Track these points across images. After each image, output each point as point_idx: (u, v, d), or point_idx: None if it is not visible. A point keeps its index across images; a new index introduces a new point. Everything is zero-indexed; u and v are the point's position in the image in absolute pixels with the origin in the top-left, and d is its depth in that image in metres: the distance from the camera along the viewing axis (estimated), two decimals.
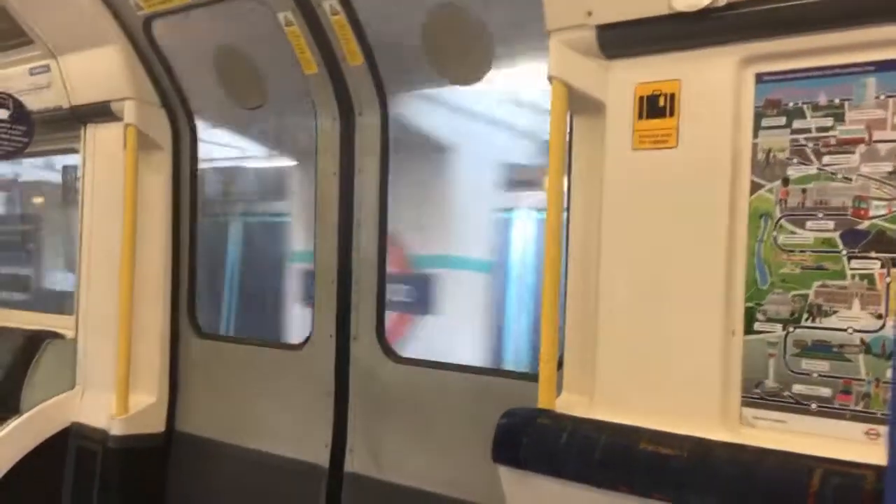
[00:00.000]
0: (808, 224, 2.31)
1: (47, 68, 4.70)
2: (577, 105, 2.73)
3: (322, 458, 3.89)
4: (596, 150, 2.70)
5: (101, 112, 4.50)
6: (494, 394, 3.26)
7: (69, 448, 4.59)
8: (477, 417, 3.27)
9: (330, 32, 3.64)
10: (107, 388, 4.41)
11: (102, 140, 4.61)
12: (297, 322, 5.99)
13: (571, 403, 2.73)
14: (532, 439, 2.60)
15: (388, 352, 3.78)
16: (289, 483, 4.01)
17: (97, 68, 4.45)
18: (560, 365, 2.81)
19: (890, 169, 2.18)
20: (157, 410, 4.51)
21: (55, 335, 4.89)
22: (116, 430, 4.35)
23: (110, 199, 4.50)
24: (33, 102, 4.71)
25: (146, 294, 4.47)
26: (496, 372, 3.55)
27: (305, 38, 3.69)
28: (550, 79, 2.69)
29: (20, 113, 4.63)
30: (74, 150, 4.90)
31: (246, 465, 4.21)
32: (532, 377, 2.82)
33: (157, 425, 4.51)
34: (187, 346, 4.56)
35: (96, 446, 4.43)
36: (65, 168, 5.56)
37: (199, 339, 4.54)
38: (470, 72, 3.53)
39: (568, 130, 2.76)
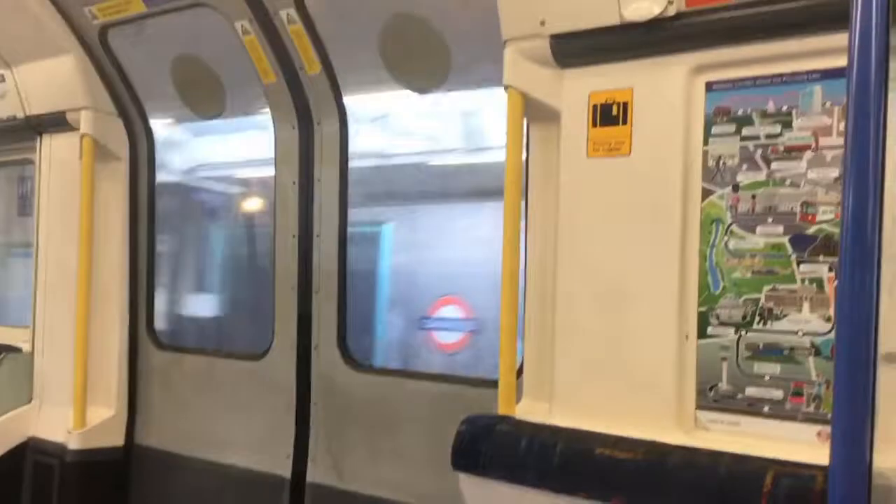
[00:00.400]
0: (759, 229, 2.35)
1: (2, 78, 4.63)
2: (533, 113, 2.75)
3: (284, 468, 3.86)
4: (551, 158, 2.73)
5: (57, 122, 4.44)
6: (456, 401, 3.27)
7: (26, 463, 4.50)
8: (439, 425, 3.26)
9: (287, 41, 3.64)
10: (64, 401, 4.34)
11: (58, 150, 4.55)
12: None
13: (531, 410, 2.75)
14: (491, 446, 2.60)
15: (350, 360, 3.77)
16: (251, 495, 3.98)
17: (53, 78, 4.39)
18: (520, 372, 2.83)
19: (836, 175, 2.23)
20: (116, 424, 4.44)
21: (12, 349, 4.80)
22: (74, 444, 4.28)
23: (67, 210, 4.44)
24: None
25: (104, 305, 4.42)
26: (458, 379, 3.54)
27: (263, 48, 3.68)
28: (506, 87, 2.71)
29: None
30: (30, 161, 4.83)
31: (208, 478, 4.16)
32: (494, 384, 2.83)
33: (116, 439, 4.44)
34: (146, 357, 4.51)
35: (54, 461, 4.36)
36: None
37: (158, 350, 4.49)
38: (427, 80, 3.55)
39: (524, 138, 2.79)
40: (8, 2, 4.22)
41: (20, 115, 4.61)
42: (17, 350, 4.76)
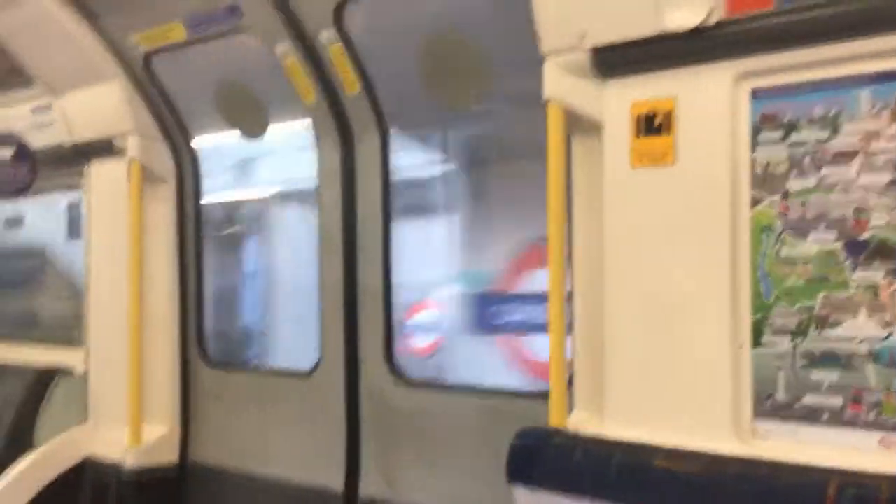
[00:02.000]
0: (810, 236, 2.32)
1: (49, 107, 4.74)
2: (575, 126, 2.75)
3: (336, 483, 3.90)
4: (595, 170, 2.73)
5: (104, 148, 4.54)
6: (505, 414, 3.28)
7: (83, 483, 4.59)
8: (489, 438, 3.28)
9: (327, 62, 3.68)
10: (119, 420, 4.42)
11: (106, 175, 4.65)
12: None
13: (583, 421, 2.75)
14: (546, 459, 2.61)
15: (398, 375, 3.80)
16: None
17: (98, 105, 4.49)
18: (570, 382, 2.83)
19: (887, 179, 2.20)
20: (170, 441, 4.52)
21: (65, 370, 4.90)
22: (130, 462, 4.36)
23: (116, 233, 4.53)
24: (36, 140, 4.74)
25: (155, 325, 4.50)
26: (506, 392, 3.55)
27: (303, 69, 3.73)
28: (547, 101, 2.72)
29: (23, 152, 4.66)
30: (78, 187, 4.93)
31: (261, 493, 4.21)
32: (542, 396, 2.84)
33: (170, 456, 4.51)
34: (197, 375, 4.58)
35: (110, 480, 4.43)
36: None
37: (208, 368, 4.56)
38: (467, 98, 3.57)
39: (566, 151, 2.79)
40: (53, 32, 4.32)
41: (67, 142, 4.71)
42: (69, 373, 4.86)
